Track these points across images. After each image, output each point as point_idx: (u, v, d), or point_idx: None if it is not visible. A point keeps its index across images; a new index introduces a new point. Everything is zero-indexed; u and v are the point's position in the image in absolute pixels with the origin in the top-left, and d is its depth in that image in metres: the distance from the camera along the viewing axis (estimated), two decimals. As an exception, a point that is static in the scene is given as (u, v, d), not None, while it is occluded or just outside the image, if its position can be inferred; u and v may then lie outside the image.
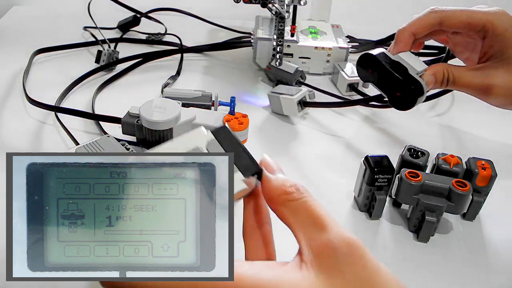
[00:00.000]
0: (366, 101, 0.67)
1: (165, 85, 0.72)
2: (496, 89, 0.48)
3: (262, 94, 0.73)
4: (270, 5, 0.70)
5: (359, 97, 0.73)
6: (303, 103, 0.66)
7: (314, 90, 0.71)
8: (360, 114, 0.70)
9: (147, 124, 0.56)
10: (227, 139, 0.36)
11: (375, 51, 0.54)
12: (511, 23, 0.49)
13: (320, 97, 0.71)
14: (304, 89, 0.67)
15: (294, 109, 0.66)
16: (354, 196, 0.54)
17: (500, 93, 0.48)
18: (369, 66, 0.54)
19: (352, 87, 0.74)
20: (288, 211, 0.32)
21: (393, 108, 0.65)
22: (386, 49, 0.54)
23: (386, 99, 0.54)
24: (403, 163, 0.51)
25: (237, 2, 0.70)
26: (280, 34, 0.74)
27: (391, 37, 0.88)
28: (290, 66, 0.73)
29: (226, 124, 0.37)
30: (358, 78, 0.73)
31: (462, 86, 0.50)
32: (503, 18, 0.49)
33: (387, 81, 0.52)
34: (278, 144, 0.63)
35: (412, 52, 0.54)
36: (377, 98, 0.65)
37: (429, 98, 0.69)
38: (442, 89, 0.55)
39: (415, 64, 0.52)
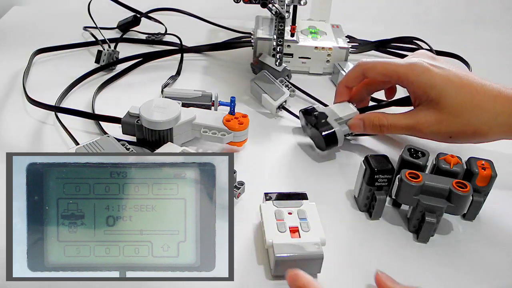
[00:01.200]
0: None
1: (165, 85, 0.72)
2: (421, 127, 0.55)
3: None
4: (270, 5, 0.70)
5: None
6: (282, 107, 0.69)
7: (297, 90, 0.71)
8: (360, 114, 0.70)
9: (147, 124, 0.56)
10: None
11: (307, 108, 0.62)
12: (423, 69, 0.54)
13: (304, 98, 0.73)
14: (286, 93, 0.68)
15: (272, 110, 0.68)
16: (354, 196, 0.54)
17: (425, 130, 0.55)
18: (305, 120, 0.61)
19: (352, 87, 0.74)
20: None
21: (393, 107, 0.65)
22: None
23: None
24: (403, 163, 0.51)
25: (237, 2, 0.70)
26: (280, 34, 0.74)
27: (392, 40, 0.88)
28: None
29: None
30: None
31: (393, 129, 0.57)
32: (414, 67, 0.55)
33: (313, 131, 0.59)
34: (278, 144, 0.63)
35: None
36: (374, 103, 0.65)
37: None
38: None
39: (344, 110, 0.60)
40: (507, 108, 0.52)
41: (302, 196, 0.48)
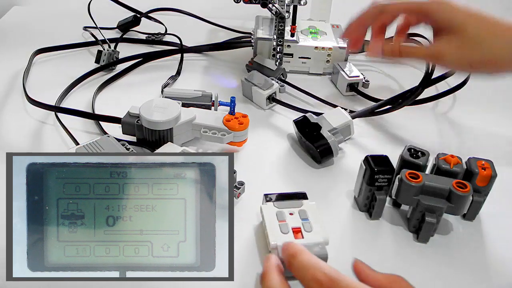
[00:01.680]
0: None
1: (165, 85, 0.72)
2: (442, 53, 0.53)
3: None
4: (270, 5, 0.70)
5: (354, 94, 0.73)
6: (272, 99, 0.69)
7: (285, 85, 0.72)
8: (360, 114, 0.70)
9: (147, 124, 0.56)
10: None
11: (299, 118, 0.61)
12: (445, 4, 0.53)
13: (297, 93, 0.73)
14: (275, 84, 0.69)
15: (263, 102, 0.69)
16: (354, 196, 0.54)
17: (447, 57, 0.53)
18: (298, 131, 0.61)
19: (352, 87, 0.74)
20: None
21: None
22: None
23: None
24: (403, 163, 0.51)
25: (237, 2, 0.70)
26: (280, 34, 0.74)
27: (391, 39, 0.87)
28: (272, 63, 0.74)
29: None
30: (359, 78, 0.74)
31: (414, 53, 0.55)
32: (437, 1, 0.54)
33: (307, 146, 0.59)
34: (278, 144, 0.63)
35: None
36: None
37: (430, 99, 0.69)
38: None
39: (337, 119, 0.60)
40: None
41: (302, 196, 0.48)
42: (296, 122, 0.61)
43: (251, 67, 0.75)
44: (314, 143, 0.57)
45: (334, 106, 0.67)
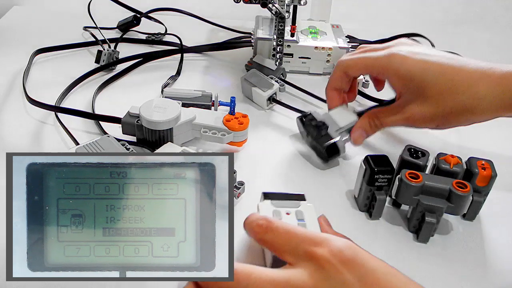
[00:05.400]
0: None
1: (165, 85, 0.72)
2: (417, 119, 0.54)
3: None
4: (270, 5, 0.70)
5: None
6: (272, 99, 0.69)
7: (286, 84, 0.72)
8: (360, 114, 0.70)
9: (147, 124, 0.56)
10: None
11: (304, 114, 0.61)
12: (401, 59, 0.54)
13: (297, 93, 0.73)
14: (275, 85, 0.69)
15: (263, 103, 0.69)
16: (354, 196, 0.54)
17: (421, 120, 0.54)
18: (303, 128, 0.61)
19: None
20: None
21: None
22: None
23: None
24: (403, 163, 0.51)
25: (237, 2, 0.70)
26: (280, 34, 0.74)
27: (392, 39, 0.87)
28: (271, 63, 0.74)
29: None
30: (359, 78, 0.73)
31: (390, 125, 0.57)
32: (392, 59, 0.54)
33: (312, 143, 0.60)
34: (278, 143, 0.63)
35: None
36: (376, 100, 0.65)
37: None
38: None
39: (343, 118, 0.59)
40: (491, 89, 0.50)
41: (300, 197, 0.48)
42: (301, 118, 0.61)
43: (250, 67, 0.75)
44: (322, 143, 0.57)
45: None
